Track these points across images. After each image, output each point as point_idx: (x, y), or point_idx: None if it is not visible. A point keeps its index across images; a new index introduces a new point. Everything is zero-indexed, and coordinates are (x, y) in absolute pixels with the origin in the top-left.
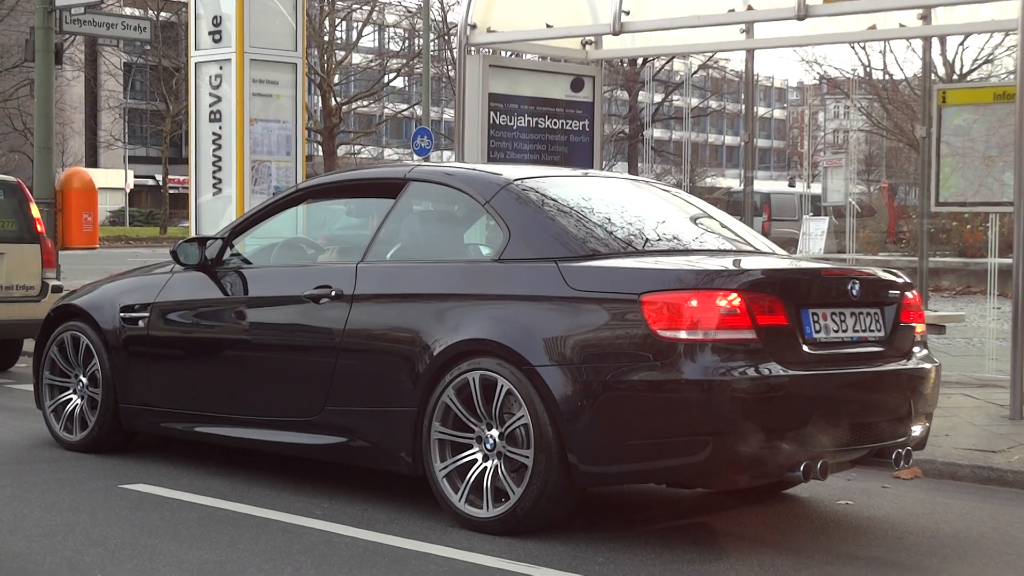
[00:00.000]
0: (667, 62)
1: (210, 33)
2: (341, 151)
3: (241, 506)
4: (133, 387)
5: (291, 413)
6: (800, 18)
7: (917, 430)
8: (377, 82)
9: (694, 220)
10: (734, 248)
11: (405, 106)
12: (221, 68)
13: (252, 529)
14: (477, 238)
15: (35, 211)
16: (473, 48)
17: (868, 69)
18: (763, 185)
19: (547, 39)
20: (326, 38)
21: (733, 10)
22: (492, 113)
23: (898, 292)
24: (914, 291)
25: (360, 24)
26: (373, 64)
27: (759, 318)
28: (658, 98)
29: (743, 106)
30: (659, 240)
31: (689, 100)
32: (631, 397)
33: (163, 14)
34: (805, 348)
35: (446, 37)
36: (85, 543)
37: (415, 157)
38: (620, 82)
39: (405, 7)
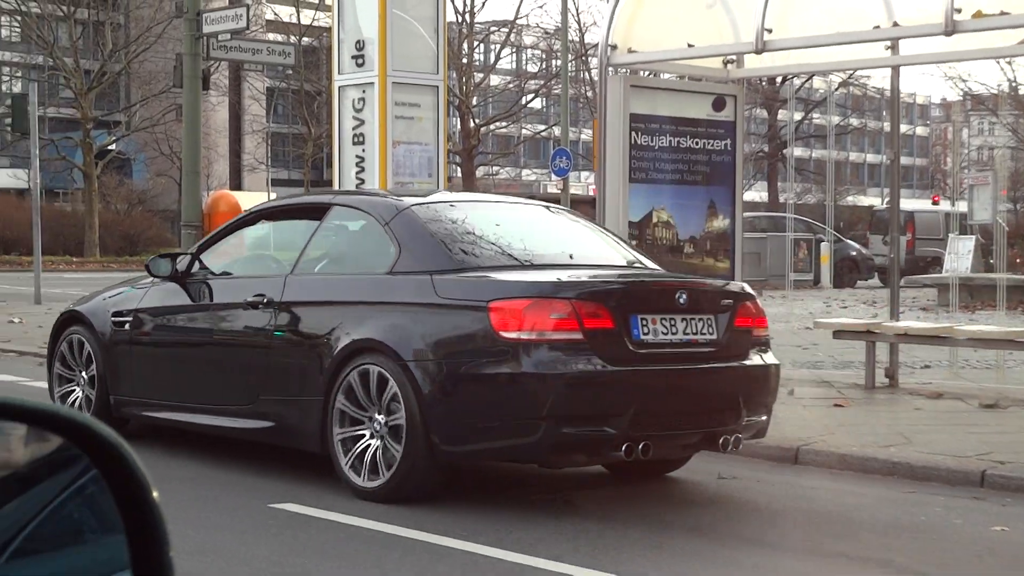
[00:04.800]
0: (807, 80)
1: (353, 57)
2: (480, 172)
3: (385, 525)
4: (120, 381)
5: (233, 402)
6: (948, 34)
7: (751, 420)
8: (515, 103)
9: (568, 239)
10: (595, 263)
11: (543, 127)
12: (364, 92)
13: (398, 549)
14: (378, 254)
15: None
16: (613, 68)
17: (1014, 84)
18: (907, 203)
19: (688, 58)
20: (464, 60)
21: (879, 26)
22: (633, 133)
23: (731, 301)
24: (753, 300)
25: (498, 46)
26: (511, 86)
27: (586, 322)
28: (798, 116)
29: (884, 124)
30: (523, 255)
31: (830, 118)
32: (480, 387)
33: (305, 39)
34: (631, 347)
35: (584, 58)
36: (234, 561)
37: (554, 177)
38: (759, 101)
39: (543, 28)
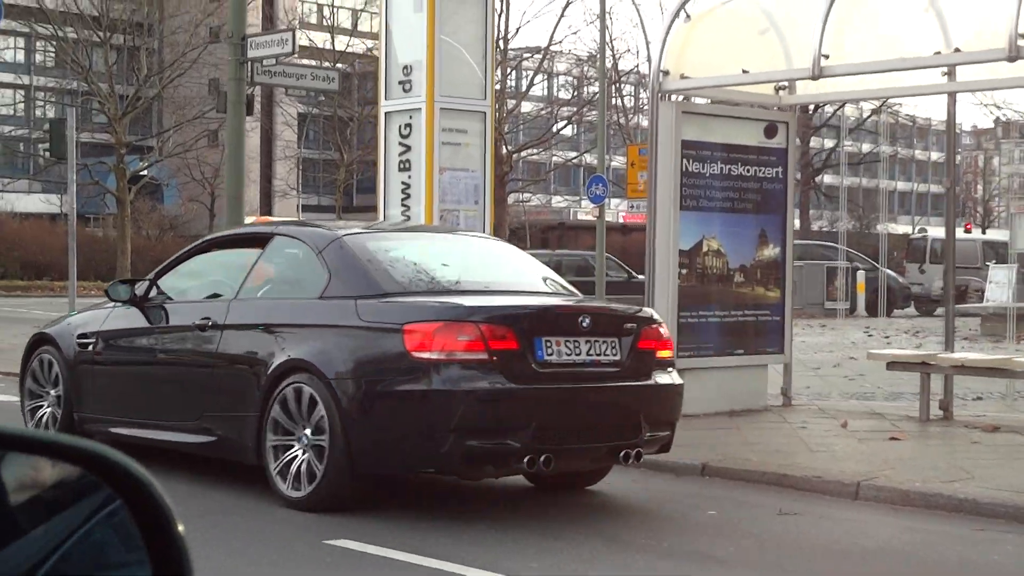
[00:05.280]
0: (839, 107)
1: (400, 83)
2: (511, 199)
3: (443, 563)
4: (83, 399)
5: (182, 418)
6: (1011, 59)
7: (653, 435)
8: (547, 130)
9: (490, 267)
10: (511, 290)
11: (574, 154)
12: (411, 117)
13: None
14: (312, 280)
15: None
16: (665, 95)
17: None
18: (938, 231)
19: (742, 84)
20: (497, 87)
21: (939, 52)
22: (684, 160)
23: (635, 325)
24: (656, 324)
25: (531, 72)
26: (543, 112)
27: (492, 343)
28: (830, 143)
29: (916, 151)
30: (442, 283)
31: (860, 146)
32: (395, 403)
33: (338, 65)
34: (534, 366)
35: (617, 85)
36: None
37: (586, 204)
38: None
39: (576, 55)
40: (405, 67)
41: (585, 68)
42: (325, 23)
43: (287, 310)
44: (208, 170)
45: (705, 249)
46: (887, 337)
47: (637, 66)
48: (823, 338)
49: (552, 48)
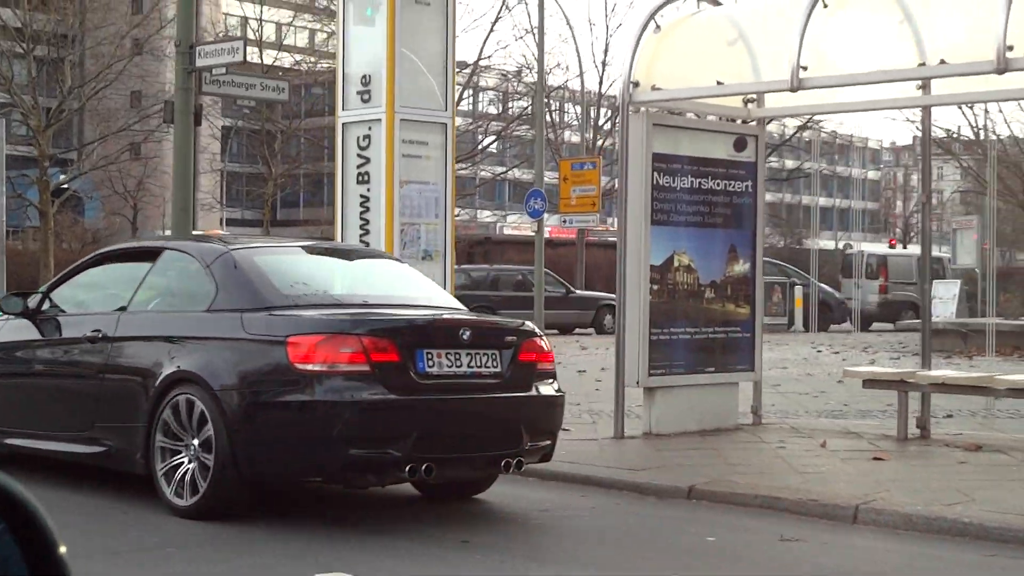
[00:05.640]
0: (767, 122)
1: (358, 93)
2: None
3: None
4: None
5: (73, 429)
6: (1000, 72)
7: (534, 445)
8: (475, 146)
9: (376, 281)
10: (395, 303)
11: (502, 168)
12: (370, 128)
13: None
14: (200, 293)
15: None
16: (636, 107)
17: (976, 129)
18: (873, 247)
19: (716, 96)
20: None
21: (924, 63)
22: (655, 174)
23: (515, 338)
24: (536, 337)
25: (460, 88)
26: (471, 127)
27: (373, 355)
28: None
29: (837, 167)
30: (327, 296)
31: (784, 162)
32: (279, 414)
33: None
34: (415, 378)
35: (546, 99)
36: None
37: (515, 219)
38: None
39: (504, 71)
40: (363, 77)
41: (513, 83)
42: (253, 36)
43: (176, 323)
44: (131, 183)
45: (676, 264)
46: (837, 352)
47: (567, 82)
48: (773, 354)
49: (480, 63)
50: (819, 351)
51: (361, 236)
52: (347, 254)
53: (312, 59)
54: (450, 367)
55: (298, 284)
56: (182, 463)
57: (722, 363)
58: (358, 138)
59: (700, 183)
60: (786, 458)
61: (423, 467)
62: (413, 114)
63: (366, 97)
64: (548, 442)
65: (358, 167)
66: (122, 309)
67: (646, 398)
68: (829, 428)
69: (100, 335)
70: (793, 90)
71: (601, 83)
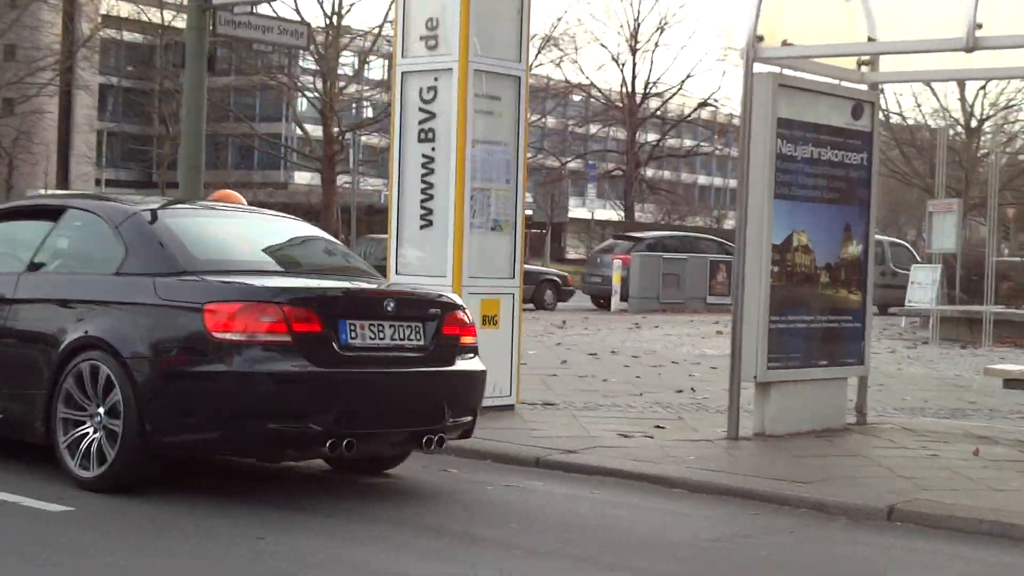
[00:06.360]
0: (665, 101)
1: (422, 38)
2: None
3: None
4: None
5: None
6: None
7: (456, 422)
8: (384, 111)
9: (295, 248)
10: (315, 271)
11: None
12: (436, 79)
13: None
14: (107, 255)
15: None
16: (760, 64)
17: (886, 112)
18: None
19: (838, 56)
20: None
21: None
22: (779, 141)
23: (439, 310)
24: (459, 309)
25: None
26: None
27: (295, 325)
28: (654, 137)
29: (732, 149)
30: (246, 263)
31: (682, 141)
32: (192, 383)
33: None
34: (338, 350)
35: None
36: None
37: None
38: (621, 118)
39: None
40: (429, 20)
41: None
42: None
43: (80, 286)
44: (6, 140)
45: (795, 244)
46: None
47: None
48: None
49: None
50: None
51: (423, 201)
52: (257, 216)
53: None
54: (373, 339)
55: (211, 248)
56: (86, 430)
57: (833, 355)
58: (421, 89)
59: (819, 153)
60: (954, 469)
61: (344, 443)
62: (487, 65)
63: (432, 43)
64: (469, 418)
65: (420, 123)
66: (21, 271)
67: (758, 394)
68: (945, 430)
69: None
70: (968, 50)
71: None
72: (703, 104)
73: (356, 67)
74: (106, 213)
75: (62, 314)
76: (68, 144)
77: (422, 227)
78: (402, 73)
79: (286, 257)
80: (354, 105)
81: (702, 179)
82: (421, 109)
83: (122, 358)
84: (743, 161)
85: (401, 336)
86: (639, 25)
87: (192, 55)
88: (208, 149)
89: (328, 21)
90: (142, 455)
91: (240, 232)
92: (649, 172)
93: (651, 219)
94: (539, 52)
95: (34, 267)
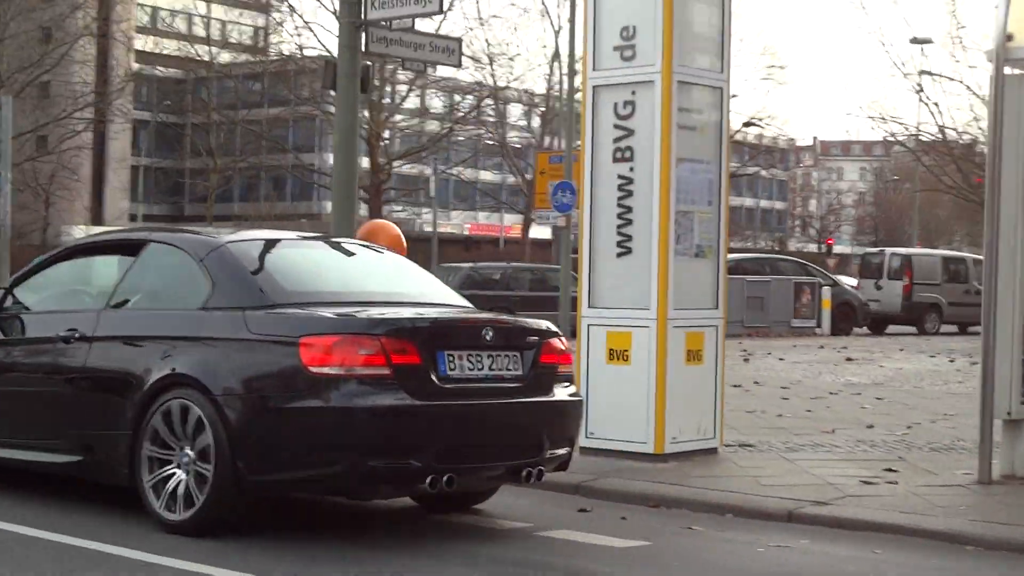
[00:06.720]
0: None
1: (616, 49)
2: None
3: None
4: None
5: (43, 436)
6: None
7: (554, 454)
8: (432, 138)
9: (384, 278)
10: (405, 301)
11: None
12: (634, 93)
13: None
14: (192, 290)
15: None
16: (1012, 66)
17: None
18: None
19: None
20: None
21: None
22: None
23: (537, 338)
24: (556, 337)
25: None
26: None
27: (394, 358)
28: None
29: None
30: (336, 293)
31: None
32: (287, 420)
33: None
34: (437, 382)
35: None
36: None
37: (556, 213)
38: None
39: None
40: (624, 29)
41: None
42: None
43: (165, 321)
44: (42, 177)
45: None
46: (953, 360)
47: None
48: (893, 365)
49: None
50: (952, 360)
51: (620, 226)
52: (344, 247)
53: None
54: (471, 370)
55: (301, 280)
56: (173, 474)
57: None
58: (616, 105)
59: None
60: None
61: (444, 478)
62: (689, 76)
63: (628, 54)
64: (567, 450)
65: (615, 141)
66: (101, 308)
67: (1006, 432)
68: None
69: (76, 335)
70: None
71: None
72: (748, 124)
73: (404, 95)
74: (189, 246)
75: (146, 351)
76: (102, 180)
77: (619, 254)
78: (593, 87)
79: (374, 287)
80: (398, 134)
81: (748, 201)
82: (617, 126)
83: (213, 395)
84: (992, 171)
85: (499, 366)
86: None
87: (344, 75)
88: (241, 181)
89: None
90: (233, 495)
91: (325, 262)
92: None
93: None
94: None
95: (115, 304)
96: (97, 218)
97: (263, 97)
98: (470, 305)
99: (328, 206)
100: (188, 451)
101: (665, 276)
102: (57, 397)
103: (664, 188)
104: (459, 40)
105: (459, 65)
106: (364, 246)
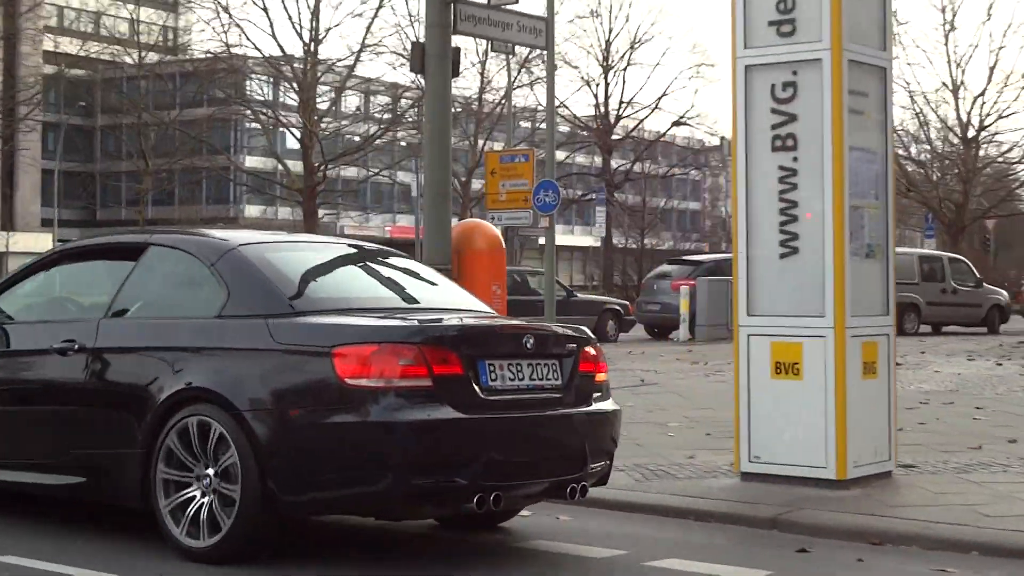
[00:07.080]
0: (638, 124)
1: (772, 24)
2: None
3: None
4: None
5: (40, 456)
6: None
7: (595, 467)
8: (364, 141)
9: (409, 283)
10: (436, 307)
11: (386, 169)
12: (795, 73)
13: None
14: (204, 297)
15: None
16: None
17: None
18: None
19: None
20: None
21: None
22: None
23: (575, 345)
24: (594, 345)
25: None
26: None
27: (435, 368)
28: (621, 160)
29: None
30: (362, 300)
31: (645, 165)
32: (324, 437)
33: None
34: (480, 394)
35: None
36: None
37: (538, 213)
38: (594, 141)
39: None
40: (780, 2)
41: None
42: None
43: (176, 331)
44: None
45: None
46: (999, 363)
47: None
48: (951, 370)
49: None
50: (999, 363)
51: (783, 224)
52: (360, 249)
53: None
54: (512, 379)
55: (324, 285)
56: (193, 497)
57: None
58: (773, 87)
59: None
60: None
61: (491, 496)
62: (857, 54)
63: (786, 29)
64: (606, 463)
65: (774, 128)
66: (100, 316)
67: None
68: None
69: (74, 347)
70: None
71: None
72: (677, 123)
73: (333, 98)
74: (197, 250)
75: (155, 364)
76: (12, 184)
77: (783, 255)
78: (745, 67)
79: (401, 292)
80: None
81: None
82: (775, 111)
83: (236, 411)
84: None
85: (539, 375)
86: (610, 44)
87: (434, 56)
88: (156, 184)
89: (306, 48)
90: (263, 519)
91: (346, 266)
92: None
93: (625, 243)
94: (518, 74)
95: (116, 312)
96: (8, 223)
97: (194, 97)
98: (495, 312)
99: (247, 209)
100: (209, 472)
101: (842, 279)
102: (54, 414)
103: (838, 179)
104: (546, 19)
105: (546, 47)
106: (375, 248)
